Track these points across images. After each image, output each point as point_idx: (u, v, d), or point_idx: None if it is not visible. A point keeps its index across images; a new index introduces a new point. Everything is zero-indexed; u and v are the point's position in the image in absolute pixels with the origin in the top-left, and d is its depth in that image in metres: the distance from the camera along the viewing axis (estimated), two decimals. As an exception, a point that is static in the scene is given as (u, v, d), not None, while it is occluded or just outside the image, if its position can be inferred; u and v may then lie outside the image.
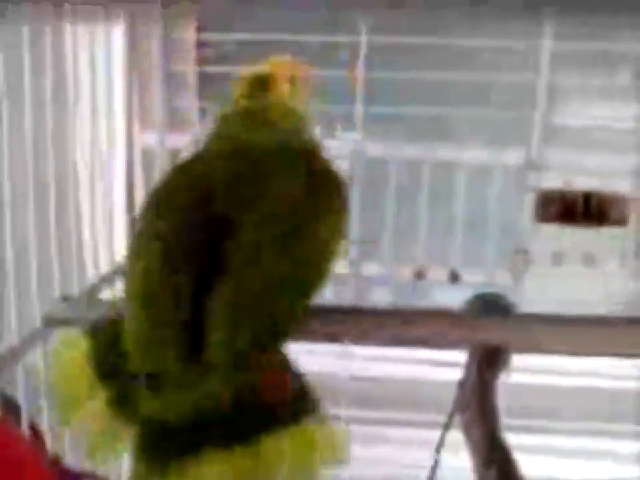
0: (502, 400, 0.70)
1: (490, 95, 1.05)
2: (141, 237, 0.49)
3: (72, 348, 0.49)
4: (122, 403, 0.46)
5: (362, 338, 0.62)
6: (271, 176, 0.50)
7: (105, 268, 0.90)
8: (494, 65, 1.05)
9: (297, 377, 0.48)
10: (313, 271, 0.49)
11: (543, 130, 0.96)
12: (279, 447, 0.45)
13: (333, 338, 0.63)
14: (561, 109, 1.09)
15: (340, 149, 1.00)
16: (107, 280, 0.89)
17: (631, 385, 1.13)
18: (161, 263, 0.46)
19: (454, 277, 1.01)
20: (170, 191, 0.51)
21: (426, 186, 0.99)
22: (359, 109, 0.98)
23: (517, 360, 0.78)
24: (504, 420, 0.67)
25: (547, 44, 0.93)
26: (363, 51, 0.96)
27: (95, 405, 0.46)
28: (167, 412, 0.44)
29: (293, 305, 0.48)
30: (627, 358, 1.16)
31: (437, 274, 1.02)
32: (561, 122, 1.08)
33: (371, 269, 1.03)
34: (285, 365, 0.48)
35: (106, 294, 0.88)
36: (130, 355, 0.46)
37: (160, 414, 0.44)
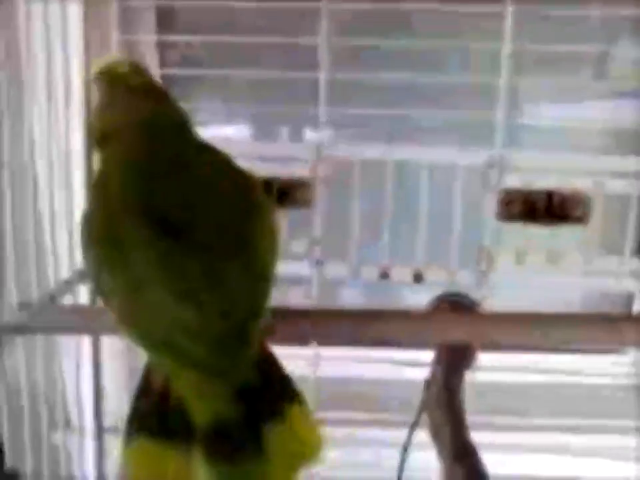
0: (468, 398, 0.70)
1: (454, 96, 1.06)
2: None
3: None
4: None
5: (329, 339, 0.62)
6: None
7: (65, 273, 0.89)
8: (458, 66, 1.06)
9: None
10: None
11: (505, 130, 0.96)
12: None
13: (301, 340, 0.63)
14: (523, 110, 1.10)
15: (305, 149, 1.00)
16: (68, 285, 0.87)
17: (599, 380, 1.15)
18: None
19: (418, 277, 1.02)
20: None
21: (390, 186, 0.99)
22: (322, 109, 0.97)
23: (483, 358, 0.79)
24: (471, 418, 0.67)
25: (508, 45, 0.94)
26: (324, 53, 0.96)
27: None
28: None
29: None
30: (591, 354, 1.18)
31: (402, 274, 1.03)
32: (524, 122, 1.09)
33: (338, 269, 1.03)
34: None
35: (67, 300, 0.87)
36: None
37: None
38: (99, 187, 0.53)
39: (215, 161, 0.55)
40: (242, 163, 1.00)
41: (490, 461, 0.63)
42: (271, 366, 0.50)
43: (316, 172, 0.98)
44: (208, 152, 0.56)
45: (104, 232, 0.49)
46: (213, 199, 0.51)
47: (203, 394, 0.45)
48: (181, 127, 0.59)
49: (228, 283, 0.46)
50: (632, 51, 1.09)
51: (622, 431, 1.07)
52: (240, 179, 0.55)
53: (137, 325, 0.46)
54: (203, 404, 0.45)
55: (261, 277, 0.49)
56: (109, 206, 0.49)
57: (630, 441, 1.05)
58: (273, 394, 0.48)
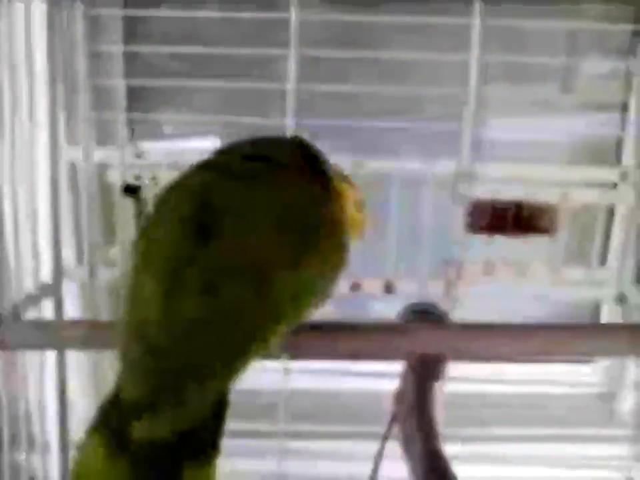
0: (440, 410, 0.70)
1: (422, 107, 1.06)
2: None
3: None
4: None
5: (300, 352, 0.62)
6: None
7: (29, 287, 0.87)
8: (426, 78, 1.06)
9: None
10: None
11: (473, 141, 0.97)
12: None
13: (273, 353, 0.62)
14: (491, 122, 1.11)
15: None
16: (31, 300, 0.86)
17: (568, 390, 1.16)
18: None
19: (389, 288, 1.02)
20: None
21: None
22: (291, 121, 0.97)
23: (453, 369, 0.79)
24: (443, 429, 0.67)
25: (475, 56, 0.95)
26: (293, 64, 0.96)
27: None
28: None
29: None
30: (558, 363, 1.19)
31: (373, 285, 1.03)
32: (492, 133, 1.10)
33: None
34: None
35: (31, 314, 0.85)
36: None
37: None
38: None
39: (285, 179, 0.52)
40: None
41: (461, 473, 0.63)
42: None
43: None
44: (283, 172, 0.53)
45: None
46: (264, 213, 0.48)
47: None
48: None
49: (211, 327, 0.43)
50: (598, 66, 1.11)
51: (590, 439, 1.08)
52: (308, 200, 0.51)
53: (126, 308, 0.45)
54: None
55: (269, 329, 0.46)
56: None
57: (600, 449, 1.06)
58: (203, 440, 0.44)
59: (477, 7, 0.92)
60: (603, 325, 1.04)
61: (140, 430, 0.41)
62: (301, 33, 0.95)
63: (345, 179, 0.60)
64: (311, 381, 1.10)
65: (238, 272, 0.44)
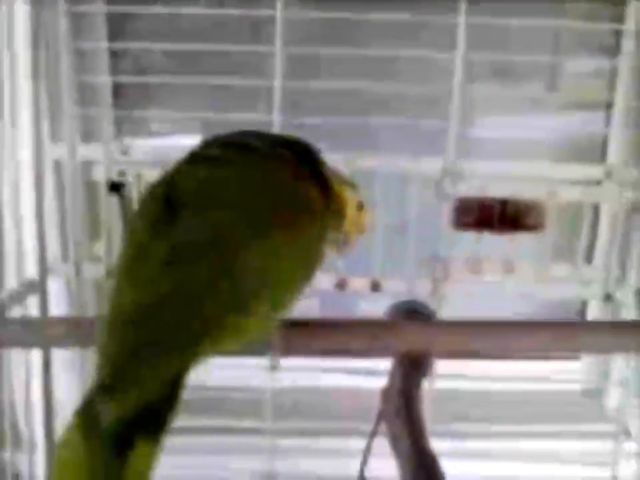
0: (427, 406, 0.70)
1: (409, 105, 1.06)
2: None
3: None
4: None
5: (291, 349, 0.62)
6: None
7: (14, 284, 0.87)
8: (413, 75, 1.06)
9: None
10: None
11: (459, 139, 0.97)
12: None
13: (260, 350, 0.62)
14: (477, 119, 1.11)
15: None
16: (16, 297, 0.85)
17: (554, 386, 1.17)
18: None
19: (375, 286, 1.02)
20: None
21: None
22: (277, 118, 0.97)
23: (441, 366, 0.79)
24: (430, 426, 0.67)
25: (461, 54, 0.95)
26: (280, 60, 0.96)
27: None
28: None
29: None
30: (545, 360, 1.20)
31: (359, 284, 1.03)
32: (478, 131, 1.10)
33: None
34: None
35: (16, 312, 0.84)
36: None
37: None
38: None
39: (272, 170, 0.52)
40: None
41: (450, 469, 0.63)
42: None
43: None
44: (272, 162, 0.53)
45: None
46: (237, 197, 0.48)
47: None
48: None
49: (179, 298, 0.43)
50: (583, 64, 1.12)
51: (576, 435, 1.09)
52: (291, 192, 0.51)
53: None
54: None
55: (234, 306, 0.45)
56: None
57: (586, 445, 1.07)
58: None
59: (463, 5, 0.93)
60: (590, 322, 1.05)
61: (105, 410, 0.41)
62: (287, 30, 0.95)
63: (345, 181, 0.60)
64: (297, 378, 1.10)
65: (200, 247, 0.45)
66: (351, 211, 0.60)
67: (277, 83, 0.96)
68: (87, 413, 0.42)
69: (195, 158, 0.53)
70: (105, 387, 0.42)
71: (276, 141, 0.56)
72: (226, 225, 0.46)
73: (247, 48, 1.01)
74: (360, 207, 0.62)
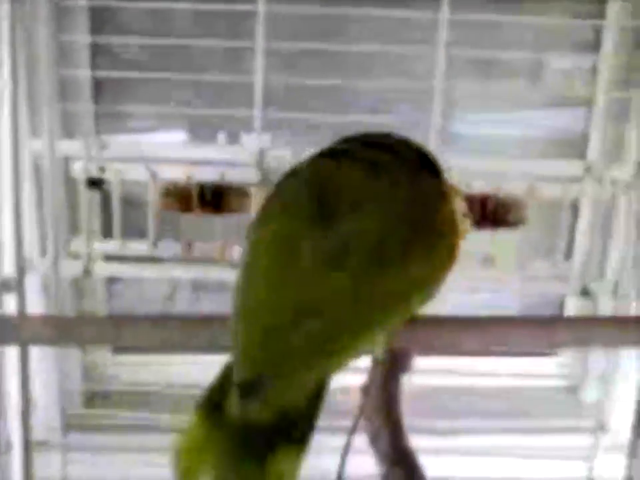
0: (406, 402, 0.70)
1: (391, 100, 1.06)
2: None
3: None
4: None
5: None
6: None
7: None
8: (396, 71, 1.06)
9: None
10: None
11: (441, 134, 0.97)
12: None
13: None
14: (458, 115, 1.11)
15: (243, 154, 0.98)
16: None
17: (531, 382, 1.17)
18: None
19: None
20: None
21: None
22: (258, 113, 0.96)
23: (421, 362, 0.79)
24: (409, 421, 0.67)
25: (442, 50, 0.95)
26: (260, 56, 0.95)
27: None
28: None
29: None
30: (522, 357, 1.21)
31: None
32: (459, 127, 1.10)
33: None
34: None
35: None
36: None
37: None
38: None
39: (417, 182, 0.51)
40: (177, 168, 0.99)
41: (429, 466, 0.63)
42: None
43: (254, 177, 0.97)
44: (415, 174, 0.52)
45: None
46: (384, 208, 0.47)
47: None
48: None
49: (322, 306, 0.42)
50: (565, 61, 1.12)
51: (555, 430, 1.10)
52: (434, 206, 0.50)
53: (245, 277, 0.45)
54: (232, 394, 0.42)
55: (369, 323, 0.44)
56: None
57: (564, 440, 1.08)
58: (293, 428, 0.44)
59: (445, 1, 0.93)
60: (568, 317, 1.05)
61: (241, 409, 0.41)
62: (269, 26, 0.95)
63: (454, 188, 0.59)
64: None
65: (355, 255, 0.43)
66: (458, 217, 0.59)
67: (258, 79, 0.96)
68: (215, 406, 0.43)
69: (337, 155, 0.52)
70: (250, 387, 0.41)
71: (407, 143, 0.55)
72: (386, 232, 0.45)
73: (228, 44, 1.00)
74: (465, 214, 0.59)
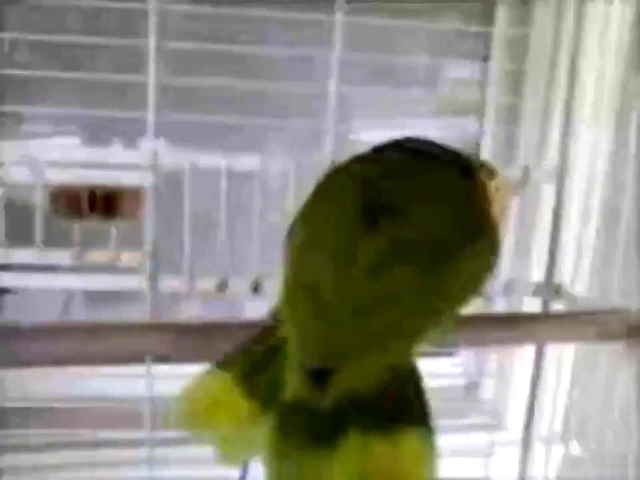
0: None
1: (287, 104, 1.06)
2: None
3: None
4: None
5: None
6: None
7: None
8: (290, 75, 1.06)
9: None
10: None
11: (336, 139, 0.97)
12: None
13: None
14: (354, 121, 1.12)
15: (138, 158, 0.95)
16: None
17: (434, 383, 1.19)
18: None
19: (256, 288, 1.00)
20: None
21: (224, 195, 0.96)
22: (151, 116, 0.94)
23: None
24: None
25: (337, 54, 0.95)
26: (153, 56, 0.93)
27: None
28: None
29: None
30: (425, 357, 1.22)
31: (240, 285, 1.01)
32: (356, 133, 1.11)
33: (172, 283, 0.99)
34: None
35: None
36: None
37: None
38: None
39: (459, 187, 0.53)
40: (72, 172, 0.95)
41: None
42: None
43: (148, 181, 0.95)
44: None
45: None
46: (433, 209, 0.49)
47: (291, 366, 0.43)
48: None
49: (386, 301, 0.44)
50: (457, 70, 1.15)
51: (456, 429, 1.12)
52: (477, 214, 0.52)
53: (294, 262, 0.48)
54: (289, 375, 0.44)
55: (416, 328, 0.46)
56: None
57: (463, 439, 1.10)
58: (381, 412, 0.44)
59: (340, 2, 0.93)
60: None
61: (311, 394, 0.42)
62: (163, 25, 0.93)
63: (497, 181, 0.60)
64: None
65: (411, 254, 0.46)
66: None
67: (151, 79, 0.93)
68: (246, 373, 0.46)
69: (378, 159, 0.54)
70: (320, 373, 0.41)
71: (443, 146, 0.57)
72: (439, 232, 0.48)
73: (121, 42, 0.98)
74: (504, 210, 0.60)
